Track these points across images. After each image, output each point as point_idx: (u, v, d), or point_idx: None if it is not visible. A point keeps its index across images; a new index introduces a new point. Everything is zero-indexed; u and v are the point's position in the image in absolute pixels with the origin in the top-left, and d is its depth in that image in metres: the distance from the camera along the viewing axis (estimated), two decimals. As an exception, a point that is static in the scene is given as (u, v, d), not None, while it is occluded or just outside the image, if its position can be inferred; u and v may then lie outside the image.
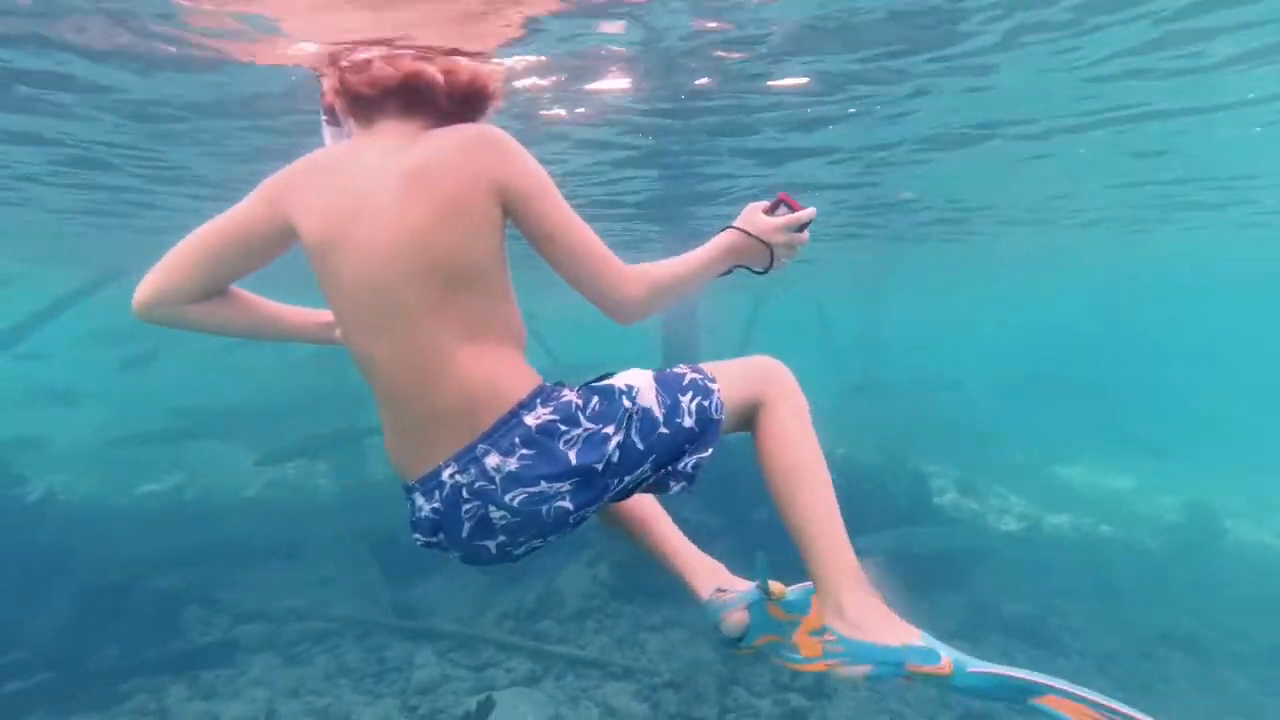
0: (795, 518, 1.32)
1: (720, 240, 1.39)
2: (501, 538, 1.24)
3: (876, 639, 1.25)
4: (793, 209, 1.42)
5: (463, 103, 1.31)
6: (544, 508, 1.20)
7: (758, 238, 1.38)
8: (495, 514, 1.20)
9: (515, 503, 1.18)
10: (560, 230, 1.23)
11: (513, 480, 1.18)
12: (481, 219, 1.19)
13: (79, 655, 4.58)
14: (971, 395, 16.02)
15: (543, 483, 1.18)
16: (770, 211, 1.42)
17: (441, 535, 1.25)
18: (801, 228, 1.41)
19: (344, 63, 1.40)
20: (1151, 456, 12.52)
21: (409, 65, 1.28)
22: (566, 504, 1.21)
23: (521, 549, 1.28)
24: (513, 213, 1.24)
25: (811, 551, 1.32)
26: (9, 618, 5.09)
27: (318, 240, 1.22)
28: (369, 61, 1.29)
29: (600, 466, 1.20)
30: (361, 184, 1.21)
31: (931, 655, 1.22)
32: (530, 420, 1.19)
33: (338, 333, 1.36)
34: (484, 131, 1.23)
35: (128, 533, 7.01)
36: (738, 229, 1.39)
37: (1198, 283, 23.00)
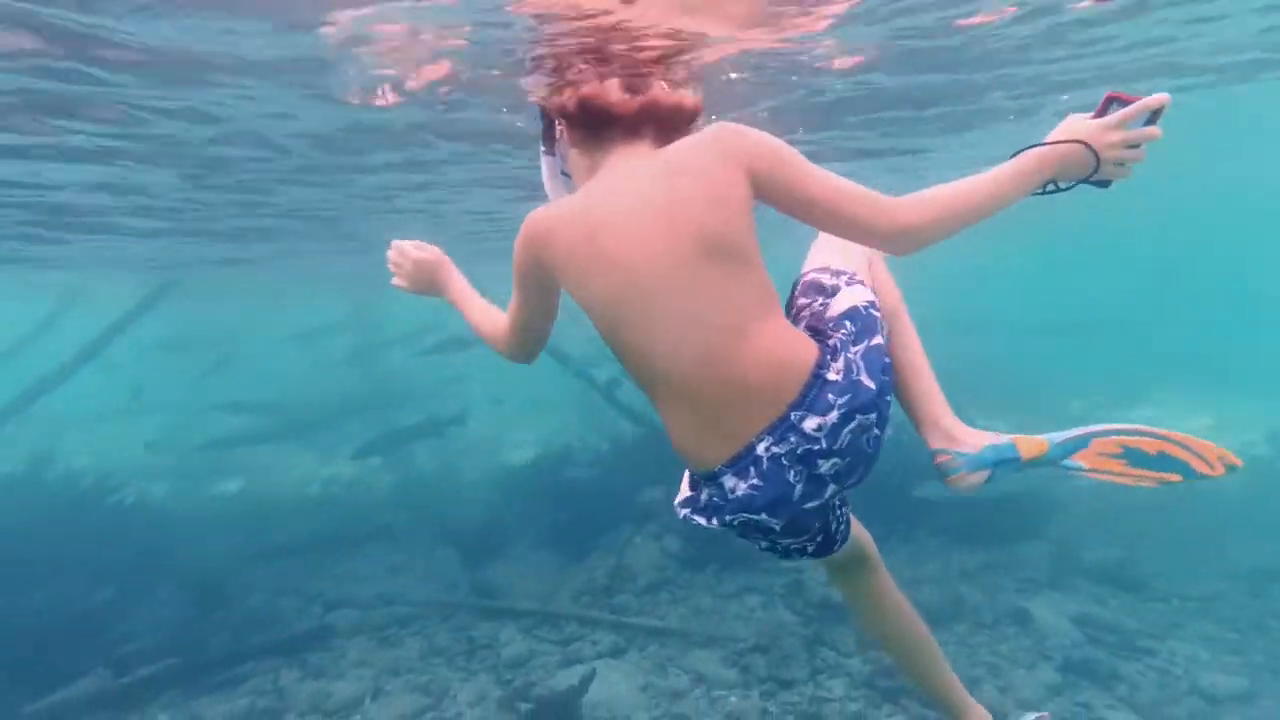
0: (910, 354, 1.56)
1: (1026, 156, 1.27)
2: (831, 487, 1.31)
3: (989, 443, 1.53)
4: (1127, 104, 1.20)
5: (687, 122, 1.49)
6: (865, 438, 1.29)
7: (1080, 140, 1.22)
8: (824, 465, 1.28)
9: (844, 445, 1.27)
10: (815, 191, 1.28)
11: (834, 431, 1.25)
12: (739, 202, 1.28)
13: (195, 643, 4.86)
14: (1016, 339, 15.41)
15: (858, 416, 1.26)
16: (1099, 116, 1.24)
17: (764, 514, 1.30)
18: (1152, 118, 1.22)
19: (582, 89, 1.45)
20: (1226, 391, 11.92)
21: (648, 93, 1.43)
22: (876, 429, 1.32)
23: (846, 489, 1.38)
24: (764, 190, 1.29)
25: (920, 389, 1.58)
26: (124, 612, 5.45)
27: (606, 282, 1.30)
28: (605, 87, 1.44)
29: (886, 373, 1.33)
30: (620, 205, 1.30)
31: (1033, 438, 1.51)
32: (833, 375, 1.27)
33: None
34: (722, 126, 1.33)
35: (210, 533, 7.37)
36: (1052, 142, 1.25)
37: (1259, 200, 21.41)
